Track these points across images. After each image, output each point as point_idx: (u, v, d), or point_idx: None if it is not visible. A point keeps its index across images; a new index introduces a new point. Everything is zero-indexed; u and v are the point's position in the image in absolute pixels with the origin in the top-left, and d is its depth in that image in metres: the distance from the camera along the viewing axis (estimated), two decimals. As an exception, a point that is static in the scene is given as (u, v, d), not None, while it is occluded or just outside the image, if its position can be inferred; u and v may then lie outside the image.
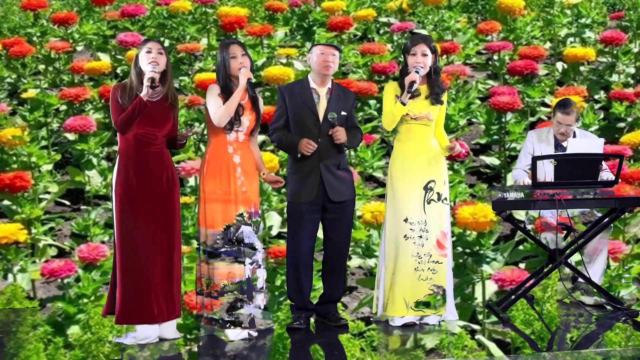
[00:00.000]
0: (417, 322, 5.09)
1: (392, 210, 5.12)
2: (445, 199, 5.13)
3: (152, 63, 4.77)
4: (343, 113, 5.09)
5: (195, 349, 4.83)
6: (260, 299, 4.93)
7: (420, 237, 5.05)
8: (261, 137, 7.23)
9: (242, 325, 4.85)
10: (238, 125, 4.89)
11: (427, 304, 5.06)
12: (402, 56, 5.20)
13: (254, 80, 4.96)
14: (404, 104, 5.00)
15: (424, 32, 9.73)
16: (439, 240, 5.09)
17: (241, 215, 4.87)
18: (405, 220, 5.06)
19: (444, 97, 5.19)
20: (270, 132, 5.14)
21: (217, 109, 4.85)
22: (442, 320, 5.12)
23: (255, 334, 4.88)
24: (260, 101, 5.04)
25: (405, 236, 5.05)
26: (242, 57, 4.91)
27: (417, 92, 5.08)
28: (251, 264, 4.88)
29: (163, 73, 4.85)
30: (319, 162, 5.02)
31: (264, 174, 5.09)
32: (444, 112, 5.24)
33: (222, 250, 4.84)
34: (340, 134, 5.01)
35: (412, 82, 4.97)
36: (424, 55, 5.05)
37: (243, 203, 4.88)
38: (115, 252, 4.79)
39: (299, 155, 5.01)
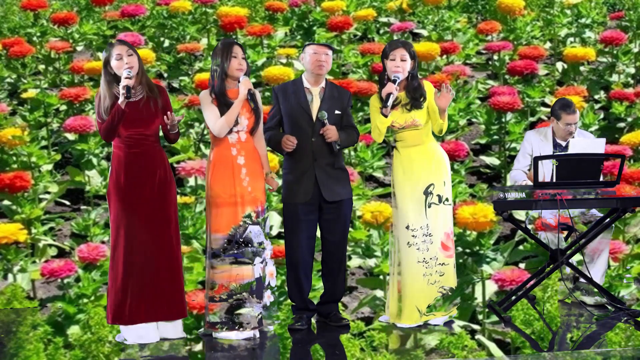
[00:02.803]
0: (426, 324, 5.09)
1: (396, 218, 5.13)
2: (447, 199, 5.11)
3: (126, 68, 4.71)
4: (337, 112, 5.07)
5: (196, 349, 4.82)
6: (267, 296, 4.93)
7: (424, 242, 5.04)
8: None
9: (249, 326, 4.83)
10: (235, 125, 4.86)
11: (436, 306, 5.06)
12: (381, 62, 5.13)
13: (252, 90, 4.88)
14: (385, 117, 4.96)
15: (424, 32, 9.76)
16: (443, 242, 5.08)
17: (249, 216, 4.85)
18: (407, 227, 5.05)
19: (429, 96, 5.05)
20: (264, 131, 5.11)
21: (216, 121, 4.82)
22: (446, 321, 5.12)
23: (258, 334, 4.88)
24: (258, 96, 4.94)
25: (408, 243, 5.04)
26: (242, 59, 4.89)
27: (397, 100, 5.02)
28: (261, 262, 4.88)
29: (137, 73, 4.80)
30: (313, 161, 5.01)
31: (267, 174, 5.06)
32: (435, 107, 5.04)
33: (229, 253, 4.82)
34: (331, 132, 4.98)
35: (389, 94, 4.92)
36: (403, 60, 4.99)
37: (250, 203, 4.86)
38: (111, 254, 4.78)
39: (285, 153, 5.01)
